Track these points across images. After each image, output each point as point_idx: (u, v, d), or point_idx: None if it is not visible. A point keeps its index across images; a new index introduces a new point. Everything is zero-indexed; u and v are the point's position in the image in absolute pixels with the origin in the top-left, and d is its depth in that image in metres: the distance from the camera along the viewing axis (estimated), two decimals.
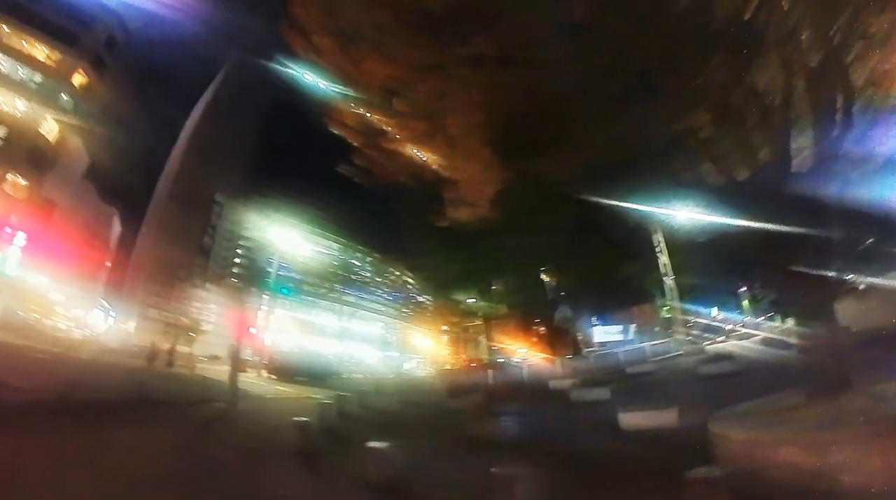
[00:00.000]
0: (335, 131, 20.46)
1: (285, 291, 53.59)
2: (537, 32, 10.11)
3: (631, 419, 13.90)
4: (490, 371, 34.02)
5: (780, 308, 32.60)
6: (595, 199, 21.18)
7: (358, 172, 22.17)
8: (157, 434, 12.60)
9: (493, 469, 7.69)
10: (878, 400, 8.66)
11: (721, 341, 42.83)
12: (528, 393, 24.07)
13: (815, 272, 9.85)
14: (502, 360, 45.06)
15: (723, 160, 11.19)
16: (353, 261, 62.81)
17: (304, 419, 13.48)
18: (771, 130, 10.33)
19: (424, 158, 20.88)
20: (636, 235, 37.88)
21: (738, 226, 11.25)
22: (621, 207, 21.46)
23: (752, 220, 10.62)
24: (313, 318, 57.30)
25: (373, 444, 10.30)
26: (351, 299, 61.20)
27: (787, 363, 16.46)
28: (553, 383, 25.39)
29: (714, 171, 11.39)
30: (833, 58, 9.29)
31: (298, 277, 59.82)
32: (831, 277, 10.15)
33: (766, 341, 30.09)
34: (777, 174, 10.24)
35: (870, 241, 36.47)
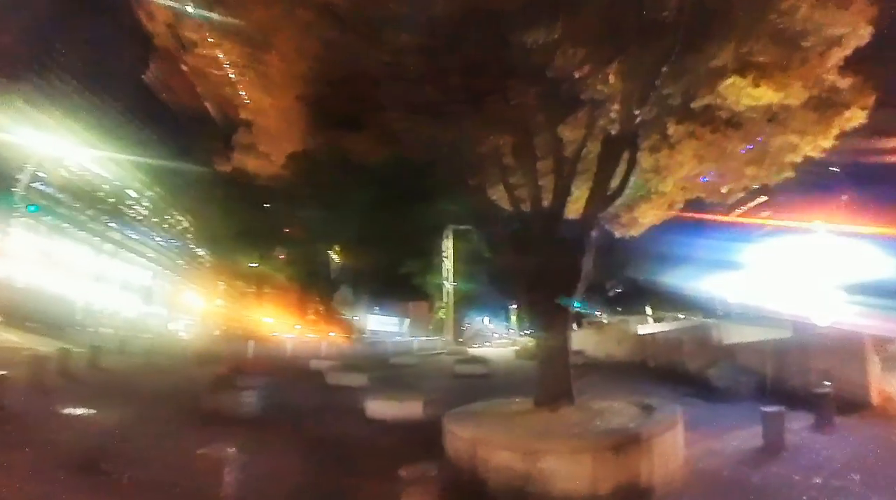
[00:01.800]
0: (142, 25, 17.56)
1: (33, 208, 44.75)
2: (393, 12, 9.86)
3: (377, 407, 14.23)
4: (252, 342, 32.64)
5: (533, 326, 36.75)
6: (395, 192, 21.51)
7: (154, 82, 19.45)
8: None
9: (200, 451, 7.25)
10: (592, 415, 10.14)
11: (483, 346, 47.12)
12: (284, 369, 23.68)
13: (564, 303, 11.35)
14: (273, 333, 43.71)
15: (514, 189, 12.22)
16: (127, 190, 53.17)
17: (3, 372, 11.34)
18: (559, 176, 11.54)
19: (231, 90, 18.93)
20: (426, 236, 39.70)
21: (514, 249, 12.42)
22: (418, 206, 22.29)
23: (524, 247, 11.82)
24: (64, 251, 48.14)
25: (79, 411, 9.27)
26: (117, 236, 52.60)
27: (528, 373, 18.54)
28: (314, 363, 25.21)
29: (504, 196, 12.36)
30: (630, 136, 10.62)
31: (54, 194, 48.84)
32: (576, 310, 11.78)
33: (520, 353, 33.79)
34: (553, 215, 11.51)
35: (618, 290, 44.06)
